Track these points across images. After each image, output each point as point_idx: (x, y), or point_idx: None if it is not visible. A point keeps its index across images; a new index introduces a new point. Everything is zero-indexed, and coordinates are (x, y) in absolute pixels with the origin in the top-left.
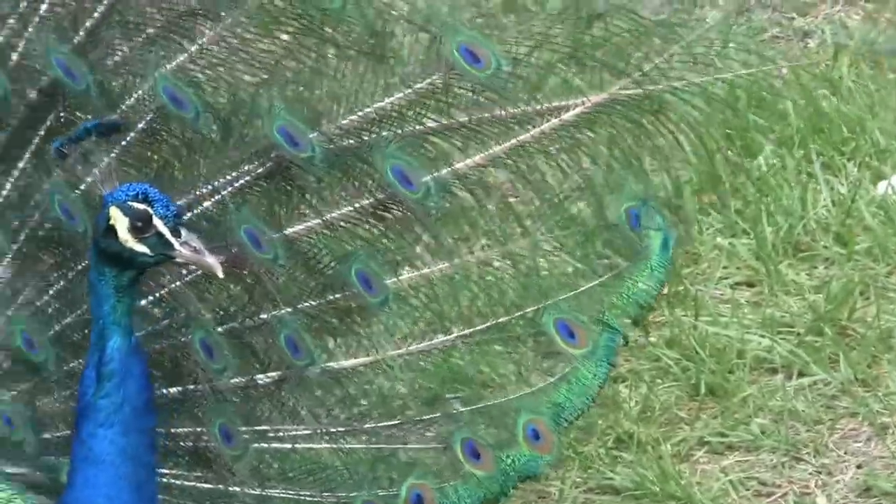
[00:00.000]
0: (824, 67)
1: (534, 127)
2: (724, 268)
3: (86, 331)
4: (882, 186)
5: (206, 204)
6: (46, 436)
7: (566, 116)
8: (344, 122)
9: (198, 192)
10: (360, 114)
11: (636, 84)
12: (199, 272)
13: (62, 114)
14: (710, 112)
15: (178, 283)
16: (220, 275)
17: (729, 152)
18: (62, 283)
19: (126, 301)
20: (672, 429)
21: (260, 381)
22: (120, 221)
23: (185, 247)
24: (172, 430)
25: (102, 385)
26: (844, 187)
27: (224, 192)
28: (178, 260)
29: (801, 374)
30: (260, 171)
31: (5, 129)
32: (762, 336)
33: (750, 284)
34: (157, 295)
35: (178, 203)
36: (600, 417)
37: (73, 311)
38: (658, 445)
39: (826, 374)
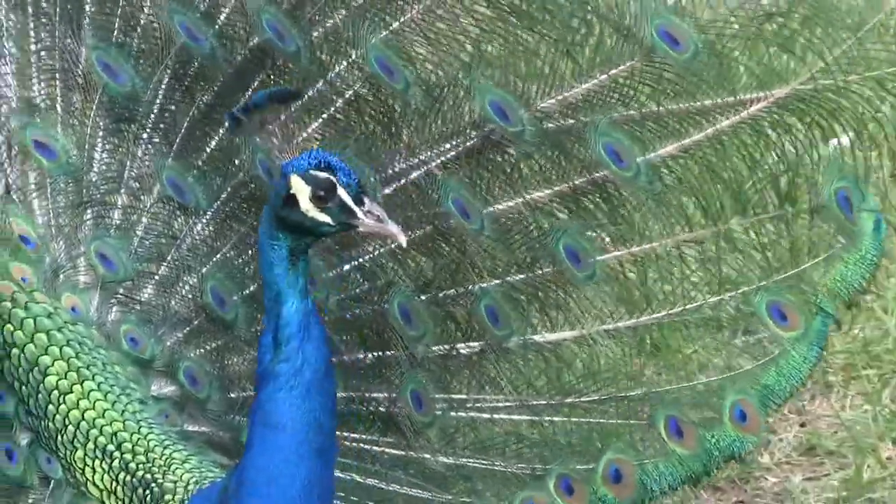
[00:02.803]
0: None
1: (730, 116)
2: None
3: None
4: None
5: (414, 175)
6: (232, 395)
7: (755, 109)
8: (548, 102)
9: (404, 164)
10: (560, 97)
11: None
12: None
13: (270, 75)
14: None
15: (380, 251)
16: (404, 243)
17: None
18: None
19: (301, 265)
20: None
21: (462, 351)
22: (302, 191)
23: (369, 216)
24: (367, 395)
25: (280, 349)
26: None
27: (432, 164)
28: (360, 229)
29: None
30: (467, 144)
31: (213, 87)
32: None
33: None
34: (360, 261)
35: (380, 172)
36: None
37: None
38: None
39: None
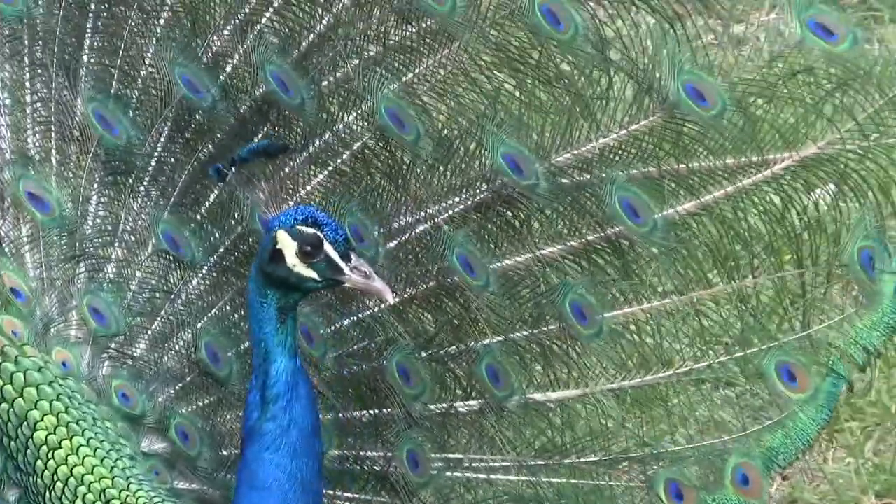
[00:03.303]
0: None
1: (752, 175)
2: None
3: None
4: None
5: (420, 228)
6: (224, 453)
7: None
8: (564, 156)
9: (410, 218)
10: (577, 151)
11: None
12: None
13: (275, 127)
14: None
15: (380, 307)
16: (391, 300)
17: None
18: None
19: (290, 323)
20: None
21: (460, 409)
22: (288, 246)
23: (356, 272)
24: (362, 454)
25: (268, 408)
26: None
27: (439, 218)
28: (347, 285)
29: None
30: (477, 198)
31: (213, 140)
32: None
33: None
34: (358, 317)
35: (385, 226)
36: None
37: None
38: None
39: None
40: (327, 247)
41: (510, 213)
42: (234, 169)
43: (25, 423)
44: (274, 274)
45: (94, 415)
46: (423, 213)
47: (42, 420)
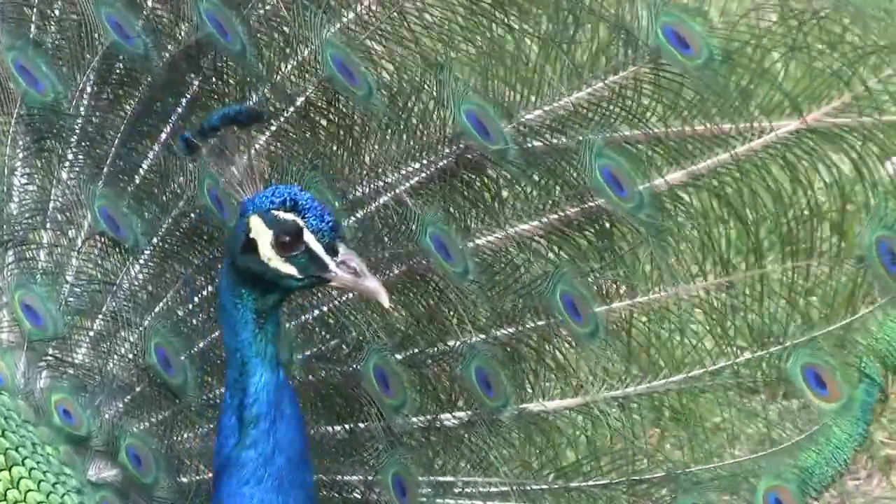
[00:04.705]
0: None
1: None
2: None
3: None
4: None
5: (381, 200)
6: (184, 479)
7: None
8: (534, 114)
9: (367, 188)
10: (549, 107)
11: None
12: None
13: (211, 80)
14: None
15: (346, 298)
16: (387, 303)
17: None
18: (209, 289)
19: (270, 328)
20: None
21: (446, 423)
22: (262, 235)
23: (343, 268)
24: (338, 478)
25: (247, 432)
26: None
27: (400, 188)
28: (333, 284)
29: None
30: (441, 164)
31: (143, 94)
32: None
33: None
34: (324, 309)
35: (339, 206)
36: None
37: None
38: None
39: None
40: (308, 237)
41: (479, 183)
42: (203, 138)
43: None
44: (247, 269)
45: (34, 439)
46: (381, 183)
47: None
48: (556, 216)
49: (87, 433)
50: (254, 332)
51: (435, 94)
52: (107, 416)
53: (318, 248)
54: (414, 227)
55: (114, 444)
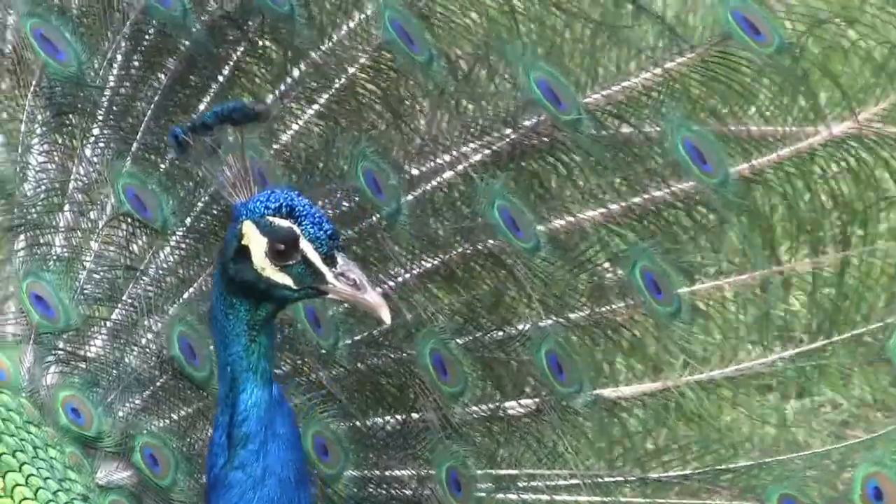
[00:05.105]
0: None
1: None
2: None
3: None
4: None
5: (445, 175)
6: (204, 480)
7: None
8: (595, 96)
9: (430, 164)
10: (608, 91)
11: None
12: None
13: (256, 48)
14: None
15: (406, 276)
16: (388, 319)
17: None
18: None
19: (263, 341)
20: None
21: (510, 412)
22: (256, 242)
23: (341, 279)
24: (386, 474)
25: (235, 452)
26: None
27: (466, 164)
28: (330, 296)
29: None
30: (510, 139)
31: (178, 63)
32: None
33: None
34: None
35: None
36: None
37: None
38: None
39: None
40: (305, 245)
41: (540, 168)
42: (195, 136)
43: None
44: (239, 277)
45: (36, 442)
46: (443, 160)
47: None
48: (636, 199)
49: (96, 433)
50: (245, 346)
51: (502, 63)
52: (120, 413)
53: (315, 258)
54: (481, 202)
55: (127, 444)
